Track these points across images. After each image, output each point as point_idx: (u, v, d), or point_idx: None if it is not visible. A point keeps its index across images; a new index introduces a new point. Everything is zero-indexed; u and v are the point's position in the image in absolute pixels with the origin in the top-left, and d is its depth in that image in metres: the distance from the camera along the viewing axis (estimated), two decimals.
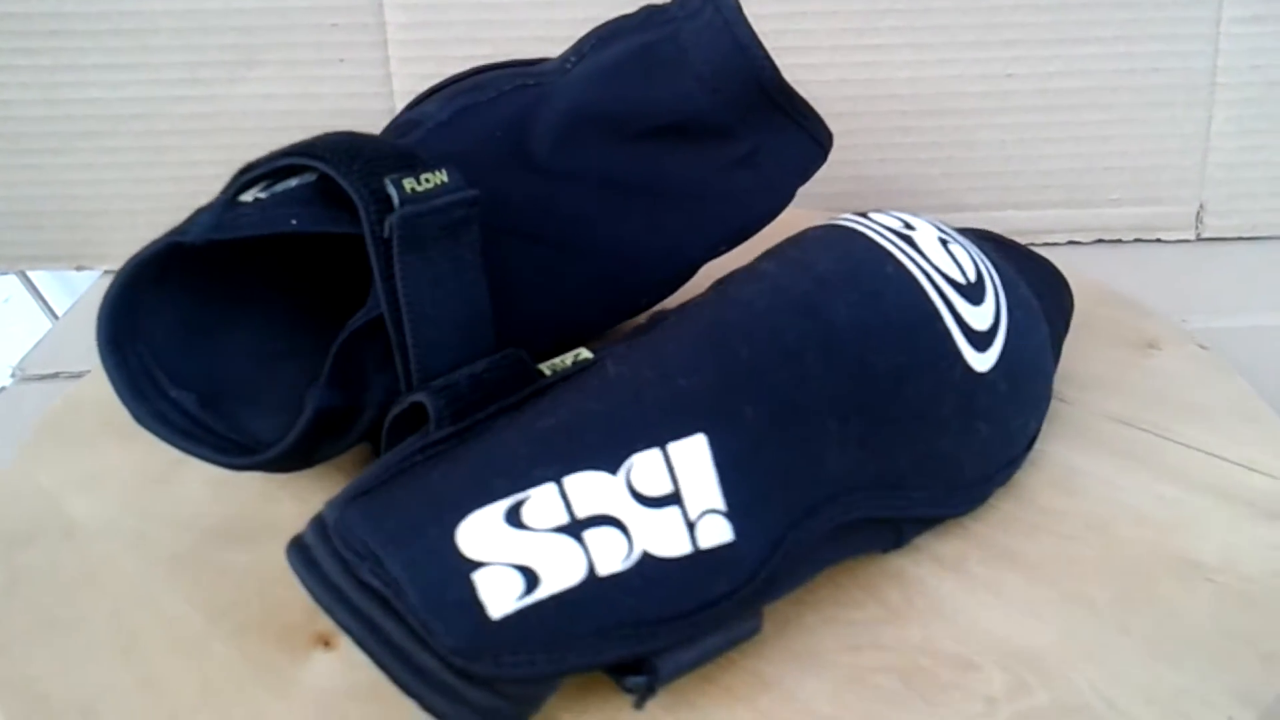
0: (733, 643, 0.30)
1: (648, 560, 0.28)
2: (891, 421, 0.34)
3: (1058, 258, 0.45)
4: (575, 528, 0.28)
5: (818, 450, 0.32)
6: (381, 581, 0.26)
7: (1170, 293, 0.58)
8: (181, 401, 0.35)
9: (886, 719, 0.29)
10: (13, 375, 0.56)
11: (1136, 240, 0.67)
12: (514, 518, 0.28)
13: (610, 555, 0.28)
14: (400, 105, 0.63)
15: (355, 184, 0.33)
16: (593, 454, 0.29)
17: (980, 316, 0.36)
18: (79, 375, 0.52)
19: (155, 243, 0.34)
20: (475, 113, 0.41)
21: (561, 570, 0.28)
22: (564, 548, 0.28)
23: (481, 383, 0.32)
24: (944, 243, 0.37)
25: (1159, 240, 0.66)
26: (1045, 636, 0.32)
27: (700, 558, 0.29)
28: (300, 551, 0.27)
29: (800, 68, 0.62)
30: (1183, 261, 0.64)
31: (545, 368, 0.33)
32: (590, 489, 0.29)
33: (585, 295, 0.40)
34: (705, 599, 0.29)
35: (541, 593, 0.27)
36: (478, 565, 0.27)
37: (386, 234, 0.33)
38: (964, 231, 0.41)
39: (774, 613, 0.32)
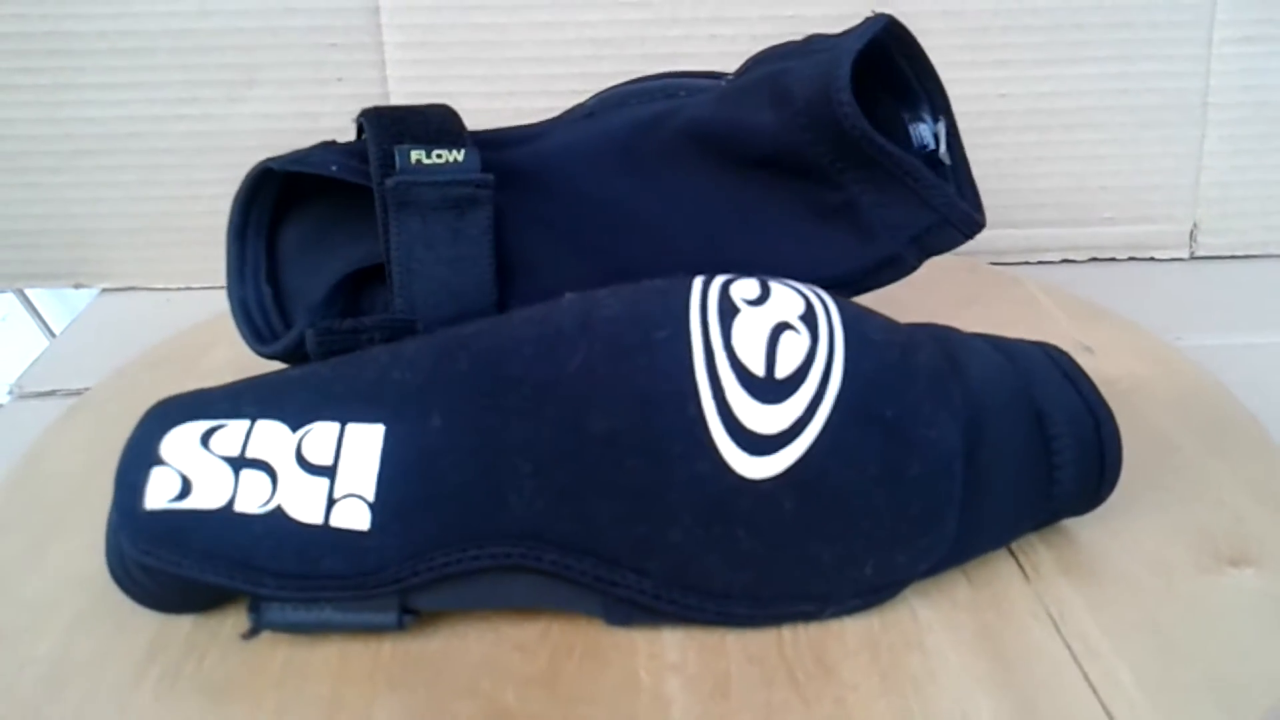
0: (362, 626, 0.32)
1: (278, 514, 0.31)
2: (602, 488, 0.32)
3: (1053, 276, 0.45)
4: (238, 463, 0.31)
5: (499, 486, 0.32)
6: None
7: (1164, 311, 0.58)
8: (263, 295, 0.43)
9: None
10: (10, 393, 0.56)
11: (1130, 259, 0.67)
12: (206, 438, 0.32)
13: (251, 496, 0.31)
14: None
15: (373, 146, 0.39)
16: (290, 408, 0.33)
17: (767, 418, 0.31)
18: (77, 393, 0.52)
19: (262, 163, 0.41)
20: (618, 111, 0.42)
21: (209, 492, 0.31)
22: (221, 475, 0.31)
23: (359, 333, 0.38)
24: (780, 328, 0.32)
25: (1153, 259, 0.67)
26: None
27: (325, 532, 0.31)
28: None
29: None
30: (1177, 280, 0.65)
31: None
32: (268, 437, 0.32)
33: None
34: (313, 570, 0.31)
35: (186, 504, 0.31)
36: (159, 463, 0.32)
37: (385, 193, 0.38)
38: (978, 337, 0.37)
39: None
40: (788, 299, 0.33)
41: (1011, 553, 0.36)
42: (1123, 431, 0.35)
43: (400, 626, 0.32)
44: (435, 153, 0.39)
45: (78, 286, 0.67)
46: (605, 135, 0.42)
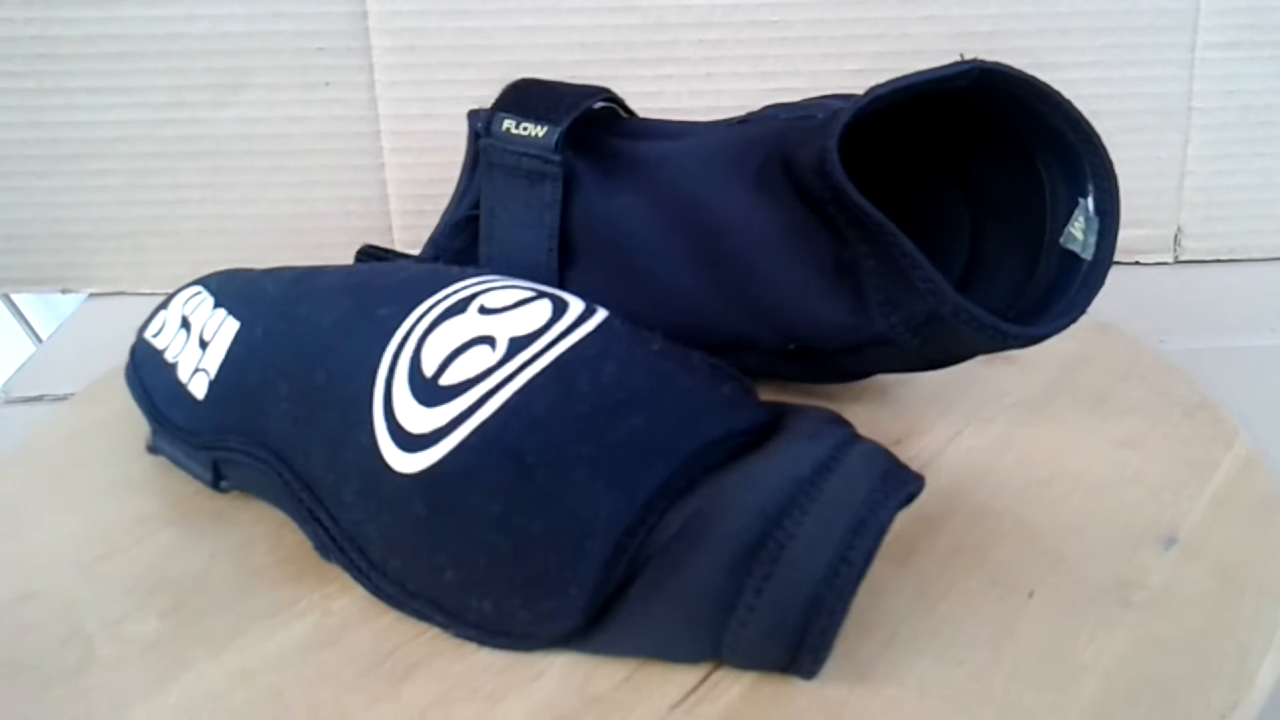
0: (196, 475, 0.38)
1: (172, 369, 0.39)
2: (313, 430, 0.34)
3: None
4: (186, 324, 0.40)
5: (267, 400, 0.36)
6: None
7: (1148, 315, 0.58)
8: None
9: None
10: None
11: (1115, 263, 0.67)
12: (191, 300, 0.40)
13: (173, 351, 0.40)
14: (386, 128, 0.64)
15: (485, 112, 0.43)
16: (228, 291, 0.40)
17: (418, 417, 0.32)
18: (63, 398, 0.52)
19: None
20: (760, 123, 0.42)
21: (165, 340, 0.40)
22: (176, 330, 0.40)
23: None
24: (479, 341, 0.33)
25: (1137, 263, 0.67)
26: None
27: (183, 392, 0.38)
28: None
29: (782, 92, 0.63)
30: (1161, 284, 0.65)
31: None
32: (205, 310, 0.39)
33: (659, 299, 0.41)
34: (169, 418, 0.38)
35: (154, 342, 0.41)
36: (165, 307, 0.42)
37: (478, 151, 0.43)
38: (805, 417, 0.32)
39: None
40: (527, 320, 0.33)
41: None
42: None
43: (217, 488, 0.37)
44: (522, 125, 0.42)
45: (65, 291, 0.67)
46: (727, 143, 0.42)
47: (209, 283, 0.41)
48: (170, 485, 0.39)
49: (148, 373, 0.40)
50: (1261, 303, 0.62)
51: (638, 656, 0.30)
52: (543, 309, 0.34)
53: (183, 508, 0.38)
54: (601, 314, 0.34)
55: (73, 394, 0.47)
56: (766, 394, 0.40)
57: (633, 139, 0.43)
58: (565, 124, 0.42)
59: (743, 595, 0.27)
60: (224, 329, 0.38)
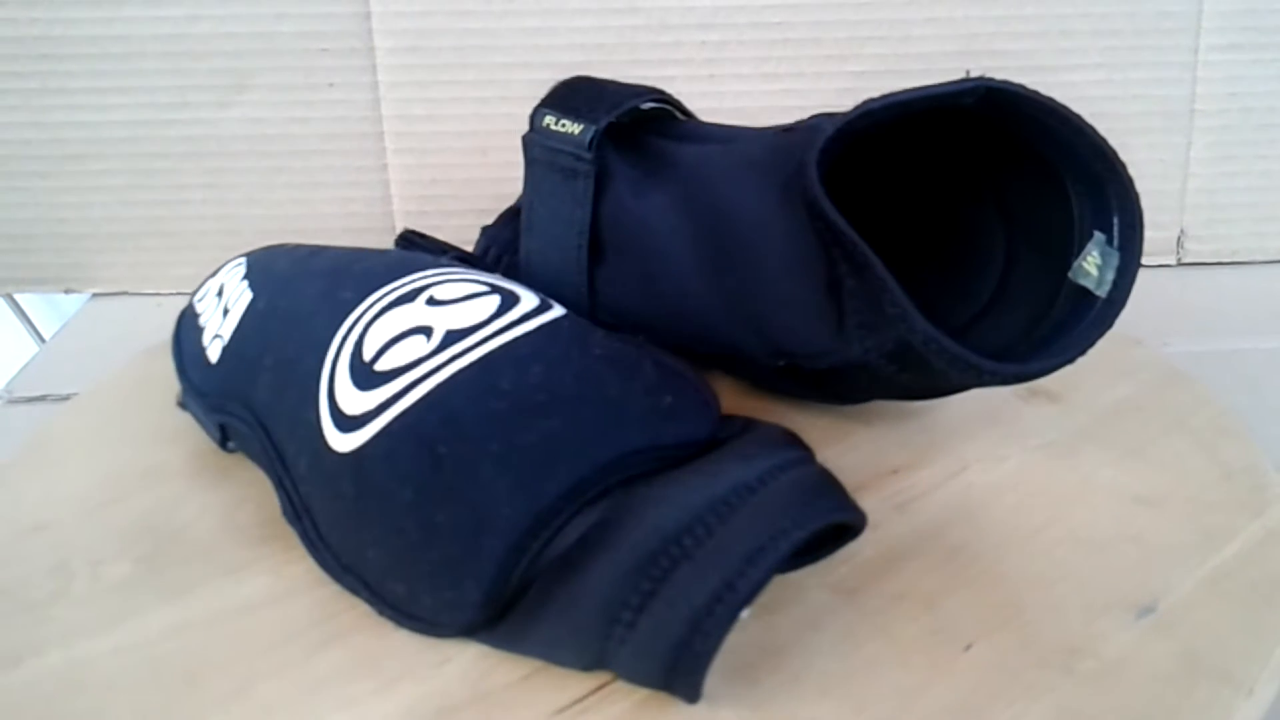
0: (210, 435, 0.40)
1: (199, 334, 0.41)
2: (281, 400, 0.36)
3: None
4: (220, 294, 0.41)
5: (254, 368, 0.37)
6: None
7: (1151, 317, 0.58)
8: None
9: None
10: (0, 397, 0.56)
11: None
12: (232, 272, 0.42)
13: (204, 318, 0.41)
14: (389, 129, 0.64)
15: (536, 107, 0.44)
16: (255, 272, 0.41)
17: (354, 401, 0.33)
18: (66, 398, 0.52)
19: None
20: (801, 131, 0.41)
21: (201, 306, 0.42)
22: (212, 298, 0.42)
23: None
24: (418, 331, 0.34)
25: (1140, 265, 0.67)
26: None
27: (202, 355, 0.40)
28: None
29: (785, 93, 0.63)
30: (1164, 286, 0.65)
31: None
32: (237, 280, 0.41)
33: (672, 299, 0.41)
34: (190, 381, 0.40)
35: (195, 308, 0.42)
36: (214, 276, 0.43)
37: (523, 144, 0.44)
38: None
39: None
40: (469, 313, 0.34)
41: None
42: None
43: (224, 448, 0.39)
44: (561, 121, 0.43)
45: (68, 291, 0.67)
46: (764, 152, 0.41)
47: (252, 255, 0.43)
48: (191, 441, 0.41)
49: (184, 333, 0.42)
50: (1264, 305, 0.62)
51: (534, 658, 0.30)
52: (489, 304, 0.34)
53: (195, 464, 0.40)
54: (551, 314, 0.35)
55: (76, 394, 0.47)
56: (780, 412, 0.40)
57: (677, 141, 0.43)
58: (603, 123, 0.42)
59: (625, 610, 0.27)
60: (241, 299, 0.40)
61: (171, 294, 0.65)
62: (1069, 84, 0.63)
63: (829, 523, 0.28)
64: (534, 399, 0.31)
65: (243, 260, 0.43)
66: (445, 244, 0.48)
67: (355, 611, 0.32)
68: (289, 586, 0.34)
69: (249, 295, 0.40)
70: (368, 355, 0.34)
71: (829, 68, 0.62)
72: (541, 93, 0.64)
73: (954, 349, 0.32)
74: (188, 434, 0.41)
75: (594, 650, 0.28)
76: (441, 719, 0.29)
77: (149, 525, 0.37)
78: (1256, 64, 0.64)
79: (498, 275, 0.38)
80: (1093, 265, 0.35)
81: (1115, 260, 0.35)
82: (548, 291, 0.40)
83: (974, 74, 0.34)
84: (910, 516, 0.36)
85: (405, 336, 0.34)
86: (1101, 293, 0.35)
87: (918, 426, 0.42)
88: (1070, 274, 0.35)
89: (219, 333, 0.40)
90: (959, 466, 0.39)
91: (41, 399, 0.55)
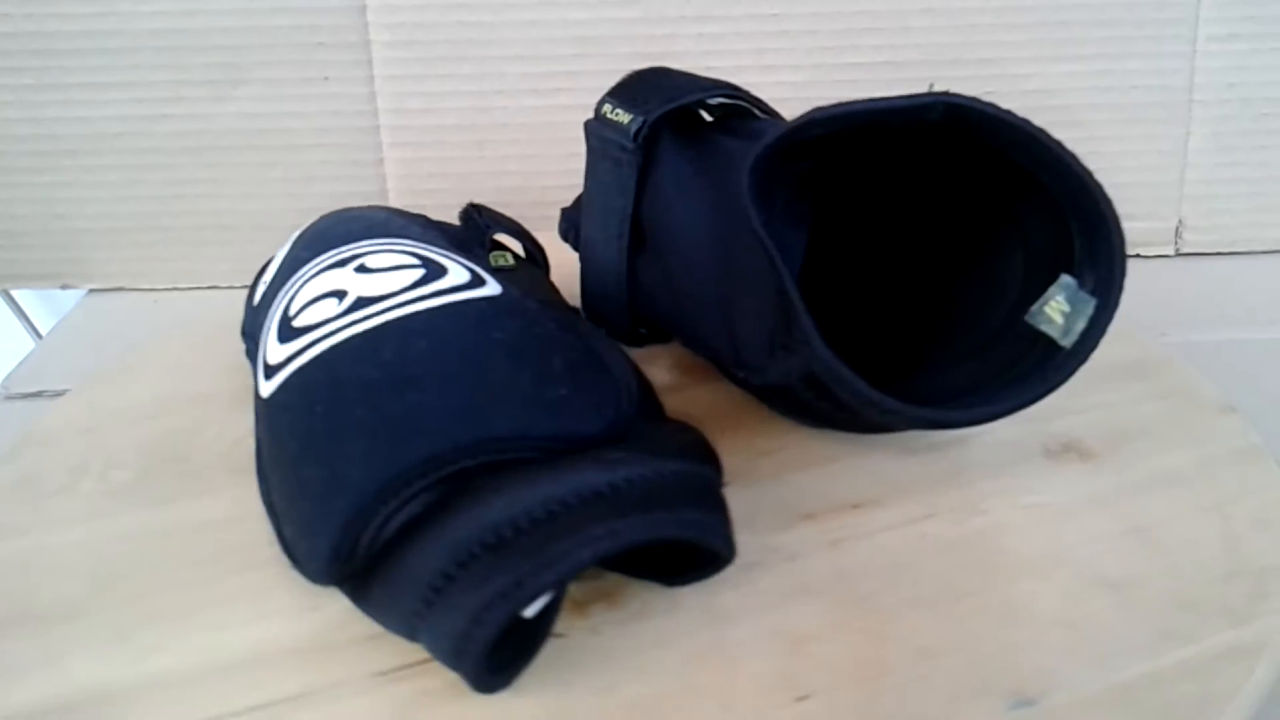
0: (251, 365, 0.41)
1: (264, 307, 0.41)
2: (258, 335, 0.39)
3: None
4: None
5: (258, 317, 0.40)
6: None
7: (1150, 308, 0.58)
8: None
9: None
10: None
11: None
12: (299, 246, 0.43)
13: (267, 273, 0.43)
14: (385, 122, 0.64)
15: (603, 95, 0.44)
16: (302, 232, 0.44)
17: (274, 351, 0.35)
18: (62, 393, 0.52)
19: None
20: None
21: (268, 275, 0.43)
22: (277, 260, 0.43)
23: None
24: (335, 294, 0.35)
25: (1139, 255, 0.67)
26: None
27: (252, 298, 0.43)
28: None
29: (780, 85, 0.62)
30: (1162, 277, 0.65)
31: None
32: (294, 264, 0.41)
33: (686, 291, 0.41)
34: (245, 319, 0.43)
35: (264, 277, 0.43)
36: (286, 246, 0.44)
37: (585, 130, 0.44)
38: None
39: None
40: (386, 283, 0.35)
41: None
42: None
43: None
44: (616, 110, 0.43)
45: (64, 287, 0.67)
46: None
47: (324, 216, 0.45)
48: (241, 377, 0.42)
49: (256, 282, 0.44)
50: (1263, 295, 0.62)
51: (375, 620, 0.30)
52: (408, 277, 0.36)
53: (235, 396, 0.43)
54: (470, 293, 0.35)
55: (69, 390, 0.47)
56: (788, 427, 0.39)
57: (734, 136, 0.42)
58: (654, 115, 0.42)
59: (430, 590, 0.27)
60: (280, 254, 0.43)
61: (168, 289, 0.65)
62: (1068, 74, 0.63)
63: (652, 538, 0.28)
64: (409, 372, 0.32)
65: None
66: (505, 218, 0.48)
67: (278, 546, 0.33)
68: (241, 513, 0.36)
69: (289, 248, 0.43)
70: (292, 311, 0.36)
71: (826, 59, 0.62)
72: (539, 86, 0.64)
73: (855, 383, 0.30)
74: (243, 370, 0.43)
75: (409, 624, 0.28)
76: (284, 658, 0.31)
77: (166, 443, 0.41)
78: (1255, 54, 0.63)
79: (456, 250, 0.39)
80: (1056, 312, 0.32)
81: (1089, 311, 0.31)
82: (598, 276, 0.44)
83: (938, 87, 0.31)
84: (838, 555, 0.34)
85: (323, 299, 0.36)
86: (1067, 343, 0.32)
87: (920, 464, 0.38)
88: (1028, 318, 0.32)
89: (263, 280, 0.42)
90: (924, 514, 0.35)
91: (38, 395, 0.55)
